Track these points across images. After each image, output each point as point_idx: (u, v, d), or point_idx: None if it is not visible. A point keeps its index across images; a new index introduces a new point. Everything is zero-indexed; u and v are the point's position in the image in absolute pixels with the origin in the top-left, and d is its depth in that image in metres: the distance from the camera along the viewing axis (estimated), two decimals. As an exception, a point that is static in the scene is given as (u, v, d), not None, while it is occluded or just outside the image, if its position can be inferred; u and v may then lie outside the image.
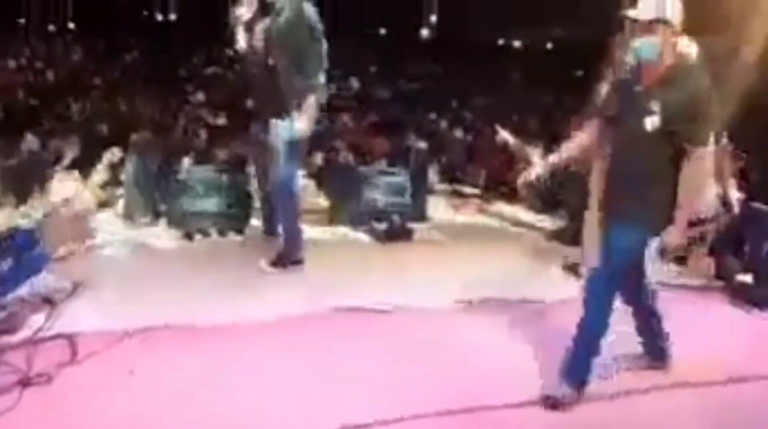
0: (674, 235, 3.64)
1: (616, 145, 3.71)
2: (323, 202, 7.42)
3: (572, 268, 5.49)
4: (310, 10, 5.34)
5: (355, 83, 14.68)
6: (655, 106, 3.47)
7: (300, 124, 5.25)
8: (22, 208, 5.39)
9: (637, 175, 3.59)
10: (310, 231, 6.62)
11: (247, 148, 6.72)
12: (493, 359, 4.14)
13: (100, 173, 6.19)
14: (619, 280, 3.70)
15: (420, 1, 21.09)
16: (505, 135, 7.08)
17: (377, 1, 20.88)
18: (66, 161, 6.02)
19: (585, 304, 3.70)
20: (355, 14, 20.69)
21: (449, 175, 8.85)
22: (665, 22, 3.48)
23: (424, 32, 26.08)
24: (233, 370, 3.86)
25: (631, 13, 3.56)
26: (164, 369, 3.83)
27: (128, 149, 6.88)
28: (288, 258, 5.49)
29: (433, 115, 11.61)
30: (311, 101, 5.28)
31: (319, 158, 8.35)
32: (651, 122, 3.48)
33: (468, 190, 8.39)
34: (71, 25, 22.46)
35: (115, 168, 6.68)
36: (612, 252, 3.65)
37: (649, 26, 3.49)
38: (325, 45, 5.36)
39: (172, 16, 26.47)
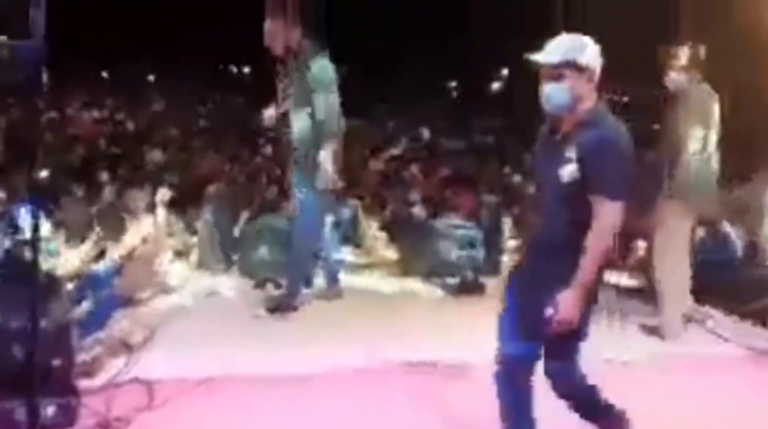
0: (565, 302, 2.93)
1: (540, 203, 3.22)
2: (393, 254, 7.42)
3: (653, 328, 5.34)
4: (328, 67, 5.51)
5: (425, 133, 14.74)
6: (570, 151, 2.95)
7: (319, 180, 5.50)
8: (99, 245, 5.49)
9: (562, 237, 3.02)
10: (381, 283, 6.65)
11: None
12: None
13: (161, 219, 6.29)
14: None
15: (492, 54, 21.16)
16: None
17: (451, 55, 21.08)
18: (140, 210, 6.16)
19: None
20: (428, 67, 20.96)
21: (523, 230, 8.72)
22: (577, 67, 2.99)
23: (495, 85, 26.30)
24: (306, 420, 3.84)
25: (536, 56, 3.02)
26: (237, 418, 3.83)
27: (203, 200, 7.05)
28: (287, 303, 5.61)
29: (507, 169, 11.52)
30: (328, 153, 5.46)
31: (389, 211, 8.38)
32: (568, 172, 2.95)
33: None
34: (150, 78, 23.24)
35: (172, 208, 6.78)
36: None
37: (557, 71, 2.98)
38: (338, 99, 5.54)
39: (246, 69, 27.21)
